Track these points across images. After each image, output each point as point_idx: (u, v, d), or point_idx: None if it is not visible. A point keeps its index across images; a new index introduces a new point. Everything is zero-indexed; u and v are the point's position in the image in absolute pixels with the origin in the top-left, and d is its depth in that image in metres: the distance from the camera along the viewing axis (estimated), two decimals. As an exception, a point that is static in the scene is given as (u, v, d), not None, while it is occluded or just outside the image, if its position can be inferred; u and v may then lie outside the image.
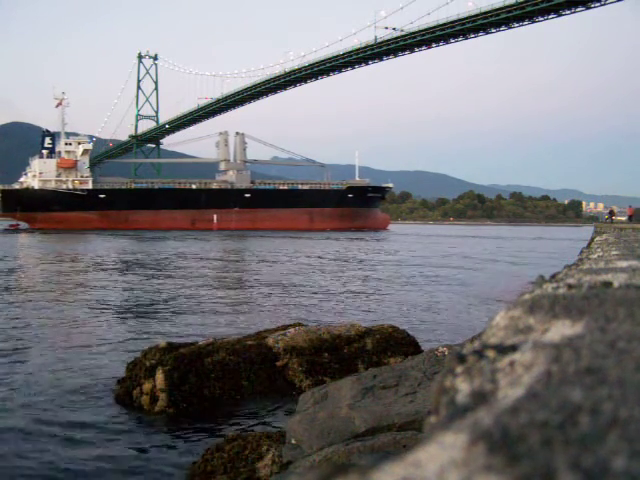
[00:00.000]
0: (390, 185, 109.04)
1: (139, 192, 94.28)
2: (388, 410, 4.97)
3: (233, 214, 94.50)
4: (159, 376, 7.81)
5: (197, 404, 7.79)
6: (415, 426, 4.61)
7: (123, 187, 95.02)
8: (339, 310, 16.16)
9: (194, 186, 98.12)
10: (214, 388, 7.97)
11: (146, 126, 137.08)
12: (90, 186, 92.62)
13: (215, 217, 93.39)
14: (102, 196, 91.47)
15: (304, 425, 5.06)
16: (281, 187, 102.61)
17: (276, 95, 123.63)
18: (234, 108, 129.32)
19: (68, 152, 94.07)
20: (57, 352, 10.88)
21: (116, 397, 8.17)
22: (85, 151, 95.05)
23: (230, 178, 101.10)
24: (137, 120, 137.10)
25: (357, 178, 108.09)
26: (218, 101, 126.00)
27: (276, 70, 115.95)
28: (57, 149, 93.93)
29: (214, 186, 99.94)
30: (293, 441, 5.03)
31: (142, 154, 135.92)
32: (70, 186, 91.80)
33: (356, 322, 10.30)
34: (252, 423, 7.42)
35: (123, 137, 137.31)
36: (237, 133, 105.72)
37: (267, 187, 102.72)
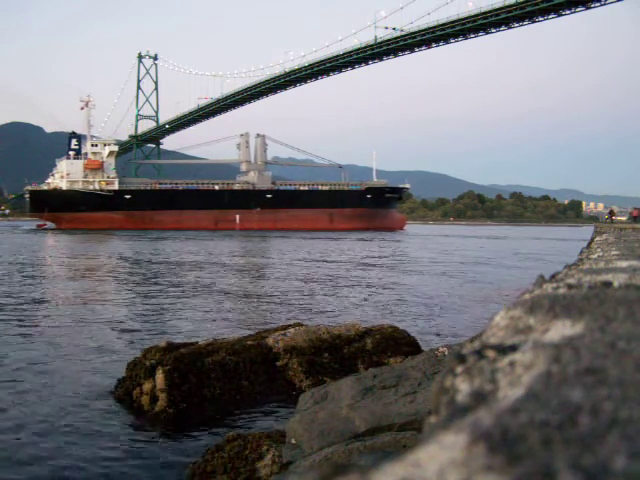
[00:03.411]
0: (407, 186, 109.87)
1: (163, 193, 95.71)
2: (388, 410, 4.96)
3: (255, 214, 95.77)
4: (159, 376, 7.81)
5: (197, 404, 7.79)
6: (415, 426, 4.61)
7: (148, 188, 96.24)
8: (339, 310, 16.16)
9: (217, 187, 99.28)
10: (214, 388, 7.97)
11: (146, 126, 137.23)
12: (116, 187, 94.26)
13: (237, 217, 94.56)
14: (128, 197, 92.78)
15: (304, 425, 5.06)
16: (301, 188, 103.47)
17: (275, 95, 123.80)
18: (234, 108, 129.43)
19: (94, 154, 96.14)
20: (57, 351, 10.88)
21: (116, 397, 8.17)
22: (111, 152, 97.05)
23: (251, 179, 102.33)
24: (137, 120, 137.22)
25: (375, 179, 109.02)
26: (218, 101, 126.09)
27: (276, 70, 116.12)
28: (83, 150, 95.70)
29: (236, 187, 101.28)
30: (293, 441, 5.03)
31: (142, 154, 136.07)
32: (97, 187, 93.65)
33: (356, 322, 10.29)
34: (252, 423, 7.42)
35: (123, 137, 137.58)
36: (258, 135, 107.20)
37: (288, 188, 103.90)
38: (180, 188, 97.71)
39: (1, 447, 6.53)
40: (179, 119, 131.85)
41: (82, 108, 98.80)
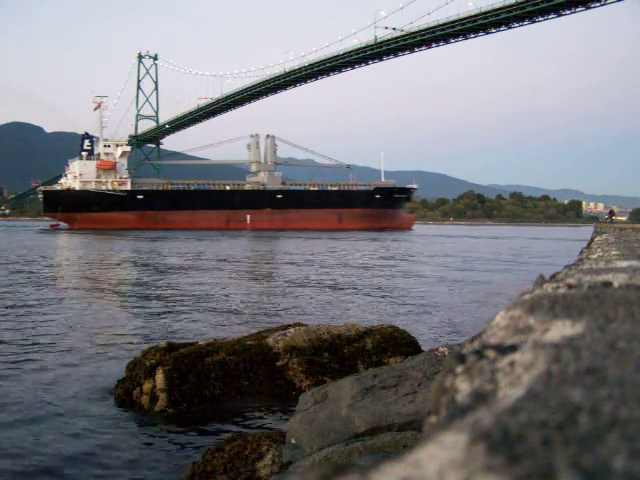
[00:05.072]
0: (415, 186, 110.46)
1: (176, 193, 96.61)
2: (388, 410, 4.96)
3: (265, 214, 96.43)
4: (159, 376, 7.81)
5: (197, 404, 7.79)
6: (415, 426, 4.61)
7: (160, 188, 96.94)
8: (339, 310, 16.16)
9: (228, 187, 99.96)
10: (214, 388, 7.96)
11: (146, 126, 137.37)
12: (129, 187, 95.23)
13: (248, 217, 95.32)
14: (140, 197, 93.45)
15: (304, 425, 5.06)
16: (311, 188, 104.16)
17: (275, 95, 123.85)
18: (234, 108, 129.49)
19: (107, 154, 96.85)
20: (57, 352, 10.88)
21: (116, 397, 8.17)
22: (124, 153, 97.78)
23: (262, 179, 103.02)
24: (137, 120, 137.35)
25: (383, 179, 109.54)
26: (218, 101, 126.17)
27: (276, 70, 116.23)
28: (96, 151, 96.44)
29: (247, 187, 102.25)
30: (293, 441, 5.02)
31: (142, 154, 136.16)
32: (110, 187, 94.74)
33: (356, 322, 10.29)
34: (252, 423, 7.42)
35: (123, 137, 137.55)
36: (267, 135, 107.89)
37: (298, 188, 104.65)
38: (192, 188, 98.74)
39: (0, 447, 6.52)
40: (179, 119, 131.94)
41: (95, 109, 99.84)
